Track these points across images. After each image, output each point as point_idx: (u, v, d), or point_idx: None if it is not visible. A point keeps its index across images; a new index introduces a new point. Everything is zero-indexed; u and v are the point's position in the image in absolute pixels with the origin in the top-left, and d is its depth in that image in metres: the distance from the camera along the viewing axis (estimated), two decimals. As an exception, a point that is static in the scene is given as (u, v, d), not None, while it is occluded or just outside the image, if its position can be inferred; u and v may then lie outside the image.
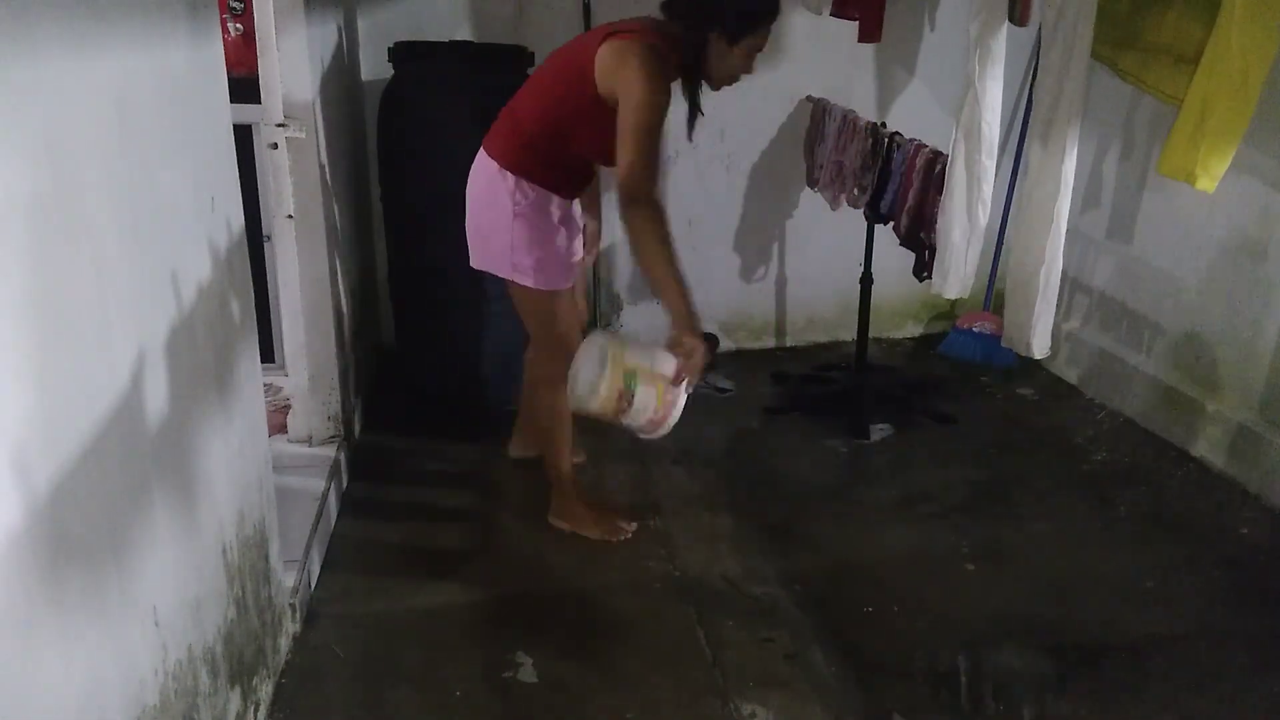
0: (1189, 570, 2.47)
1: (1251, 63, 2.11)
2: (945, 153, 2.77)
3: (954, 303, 4.06)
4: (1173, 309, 3.15)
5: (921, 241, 2.88)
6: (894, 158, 2.95)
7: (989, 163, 2.59)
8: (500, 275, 2.39)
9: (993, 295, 3.88)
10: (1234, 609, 2.34)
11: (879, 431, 3.19)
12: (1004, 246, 3.84)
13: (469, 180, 2.39)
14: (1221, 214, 2.90)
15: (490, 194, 2.32)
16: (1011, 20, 2.65)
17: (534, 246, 2.31)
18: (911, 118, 3.77)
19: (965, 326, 3.83)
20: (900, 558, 2.55)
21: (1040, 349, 2.64)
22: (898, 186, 2.94)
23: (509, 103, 2.37)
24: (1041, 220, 2.48)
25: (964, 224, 2.66)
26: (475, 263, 2.43)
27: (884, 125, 3.06)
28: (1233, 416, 2.89)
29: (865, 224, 3.23)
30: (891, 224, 3.03)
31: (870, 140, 3.06)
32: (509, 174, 2.28)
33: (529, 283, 2.34)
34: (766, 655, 2.15)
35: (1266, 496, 2.77)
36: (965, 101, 2.60)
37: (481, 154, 2.35)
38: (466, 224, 2.42)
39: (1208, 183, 2.23)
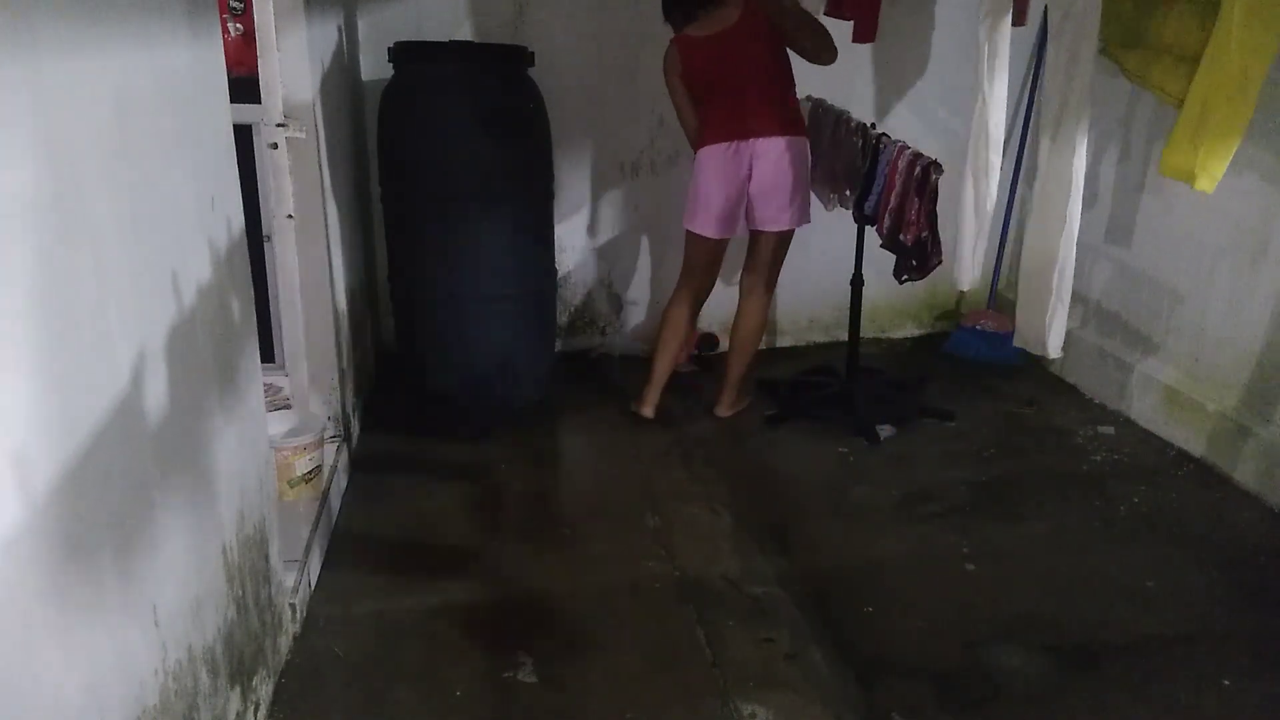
0: (1189, 570, 2.47)
1: (1251, 63, 2.10)
2: (928, 156, 2.78)
3: (958, 301, 4.07)
4: (1172, 309, 3.15)
5: (901, 244, 2.87)
6: (879, 159, 2.94)
7: (995, 159, 2.67)
8: (790, 226, 3.13)
9: (995, 294, 3.90)
10: (1234, 609, 2.33)
11: (883, 431, 3.19)
12: (1005, 246, 3.85)
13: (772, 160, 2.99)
14: (1221, 214, 2.90)
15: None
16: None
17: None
18: (911, 118, 3.77)
19: (970, 325, 3.83)
20: (900, 558, 2.55)
21: (1055, 348, 2.66)
22: (881, 188, 2.94)
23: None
24: (1054, 220, 2.49)
25: (972, 219, 2.72)
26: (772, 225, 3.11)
27: (873, 126, 3.05)
28: (1233, 416, 2.89)
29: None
30: (876, 225, 3.02)
31: (860, 141, 3.05)
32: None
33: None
34: (766, 655, 2.15)
35: (1266, 496, 2.76)
36: (976, 102, 2.65)
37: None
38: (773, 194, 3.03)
39: (1207, 183, 2.23)
